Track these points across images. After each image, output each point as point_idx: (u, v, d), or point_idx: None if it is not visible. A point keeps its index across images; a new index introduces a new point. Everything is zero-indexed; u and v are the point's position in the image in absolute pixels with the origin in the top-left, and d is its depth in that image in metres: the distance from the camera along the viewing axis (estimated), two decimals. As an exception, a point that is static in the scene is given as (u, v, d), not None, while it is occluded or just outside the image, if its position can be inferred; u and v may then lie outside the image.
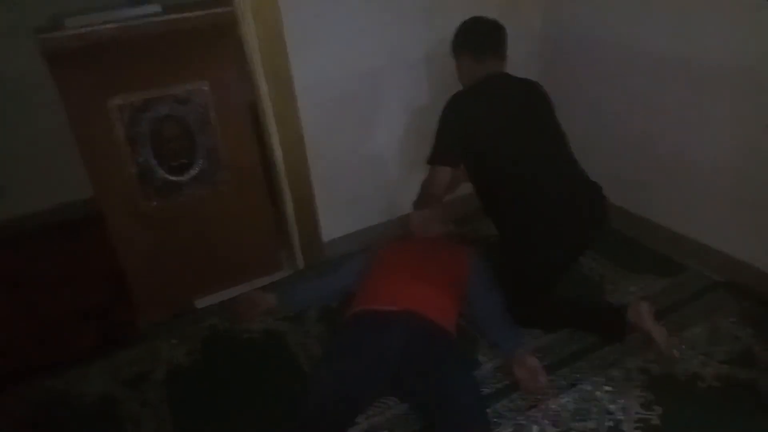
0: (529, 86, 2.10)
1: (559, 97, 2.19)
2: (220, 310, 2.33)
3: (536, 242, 1.97)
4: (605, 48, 2.43)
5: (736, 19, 1.91)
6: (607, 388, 1.77)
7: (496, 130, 1.97)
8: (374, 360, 1.68)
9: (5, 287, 2.61)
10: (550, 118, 2.08)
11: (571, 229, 1.97)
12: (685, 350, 1.88)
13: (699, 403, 1.69)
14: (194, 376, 2.02)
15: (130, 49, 1.99)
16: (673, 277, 2.26)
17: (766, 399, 1.68)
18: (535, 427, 1.66)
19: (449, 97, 2.03)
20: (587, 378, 1.81)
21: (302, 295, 2.26)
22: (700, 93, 2.11)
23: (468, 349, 1.97)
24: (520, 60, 2.32)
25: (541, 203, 1.96)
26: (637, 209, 2.53)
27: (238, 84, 2.19)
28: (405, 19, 2.36)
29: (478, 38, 2.07)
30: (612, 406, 1.70)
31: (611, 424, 1.65)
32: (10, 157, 2.95)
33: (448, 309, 1.90)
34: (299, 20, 2.14)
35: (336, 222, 2.58)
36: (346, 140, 2.46)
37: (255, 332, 2.17)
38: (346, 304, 2.02)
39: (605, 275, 2.31)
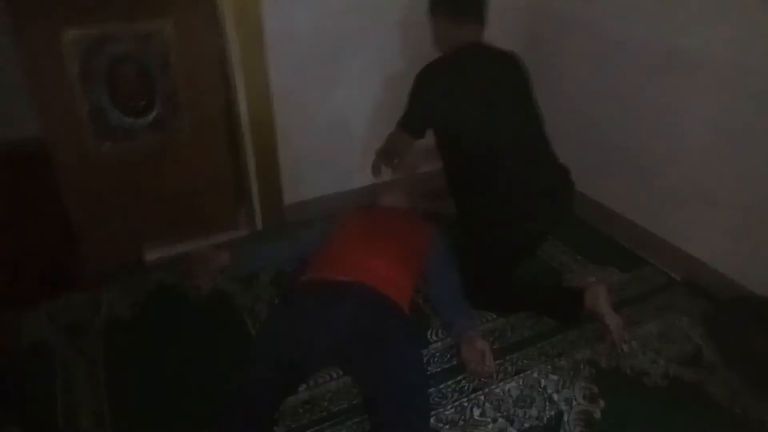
0: (508, 59, 1.99)
1: (539, 75, 2.12)
2: (169, 264, 2.24)
3: (504, 222, 1.92)
4: (589, 32, 2.37)
5: (721, 13, 1.86)
6: (553, 377, 1.75)
7: (471, 105, 1.87)
8: (321, 329, 1.63)
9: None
10: (527, 95, 1.99)
11: (538, 211, 1.92)
12: (636, 346, 1.87)
13: (643, 400, 1.69)
14: (134, 329, 1.94)
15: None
16: (631, 271, 2.24)
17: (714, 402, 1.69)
18: (476, 410, 1.64)
19: (424, 66, 1.91)
20: (535, 365, 1.80)
21: (258, 257, 2.18)
22: (676, 88, 2.07)
23: (420, 326, 1.93)
24: (505, 31, 2.23)
25: (510, 183, 1.89)
26: (603, 199, 2.50)
27: (205, 27, 2.06)
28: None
29: None
30: (556, 395, 1.69)
31: (553, 413, 1.63)
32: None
33: (404, 284, 1.85)
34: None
35: (299, 185, 2.49)
36: (316, 99, 2.35)
37: (203, 291, 2.09)
38: (299, 269, 1.95)
39: (565, 263, 2.29)
